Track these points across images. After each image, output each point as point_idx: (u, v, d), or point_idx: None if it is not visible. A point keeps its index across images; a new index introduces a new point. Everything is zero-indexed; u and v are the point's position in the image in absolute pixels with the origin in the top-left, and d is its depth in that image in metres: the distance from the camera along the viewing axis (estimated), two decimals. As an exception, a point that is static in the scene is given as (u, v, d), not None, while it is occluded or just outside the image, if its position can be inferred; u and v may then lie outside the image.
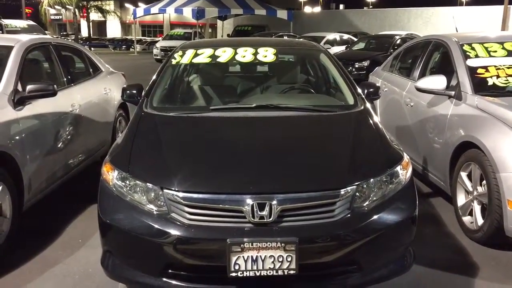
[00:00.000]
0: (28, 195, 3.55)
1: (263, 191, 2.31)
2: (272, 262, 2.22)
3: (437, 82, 4.00)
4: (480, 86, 3.81)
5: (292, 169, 2.46)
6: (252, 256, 2.22)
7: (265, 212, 2.26)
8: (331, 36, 17.83)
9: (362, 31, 22.48)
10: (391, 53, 14.19)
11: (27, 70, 3.92)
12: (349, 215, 2.33)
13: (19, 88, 3.66)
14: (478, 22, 19.92)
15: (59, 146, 4.04)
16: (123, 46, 39.63)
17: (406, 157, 2.69)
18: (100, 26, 59.00)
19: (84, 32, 43.96)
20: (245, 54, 3.70)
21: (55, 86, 3.81)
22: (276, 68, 3.98)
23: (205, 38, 26.67)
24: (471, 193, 3.53)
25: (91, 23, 42.70)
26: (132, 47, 37.10)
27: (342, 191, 2.34)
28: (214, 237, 2.26)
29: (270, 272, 2.23)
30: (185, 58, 3.75)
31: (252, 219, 2.26)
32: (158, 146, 2.69)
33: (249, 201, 2.27)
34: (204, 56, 3.73)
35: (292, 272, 2.22)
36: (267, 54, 3.70)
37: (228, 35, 25.16)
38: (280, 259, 2.22)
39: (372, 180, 2.43)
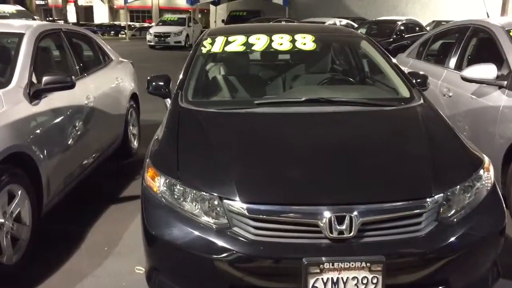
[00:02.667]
0: (47, 199, 3.22)
1: (342, 201, 2.01)
2: (355, 284, 1.93)
3: (486, 71, 3.70)
4: (536, 76, 3.53)
5: (370, 175, 2.16)
6: (332, 278, 1.93)
7: (344, 226, 1.96)
8: (330, 21, 17.42)
9: (359, 16, 22.11)
10: (394, 39, 13.99)
11: (40, 60, 3.55)
12: (436, 228, 2.04)
13: (34, 80, 3.30)
14: (476, 6, 19.59)
15: (75, 142, 3.69)
16: (112, 32, 38.74)
17: (487, 159, 2.41)
18: (87, 12, 57.71)
19: (71, 18, 42.88)
20: (282, 42, 3.37)
21: (73, 77, 3.46)
22: (316, 57, 3.66)
23: (199, 24, 26.03)
24: (531, 192, 3.27)
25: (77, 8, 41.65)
26: (121, 32, 36.26)
27: (429, 201, 2.05)
28: (287, 255, 1.96)
29: None
30: (216, 46, 3.41)
31: (330, 234, 1.96)
32: (208, 148, 2.36)
33: (327, 213, 1.97)
34: (236, 44, 3.39)
35: None
36: (306, 42, 3.37)
37: (222, 21, 24.62)
38: (365, 281, 1.93)
39: (458, 187, 2.15)
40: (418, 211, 2.03)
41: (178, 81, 3.14)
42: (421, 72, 3.65)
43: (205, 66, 3.41)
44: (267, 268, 1.99)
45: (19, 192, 2.87)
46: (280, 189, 2.09)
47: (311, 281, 1.92)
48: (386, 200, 2.03)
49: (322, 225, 1.96)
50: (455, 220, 2.09)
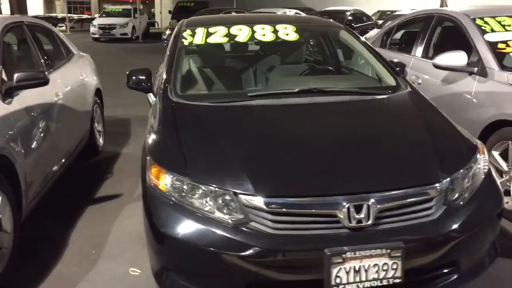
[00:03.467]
0: (25, 203, 3.03)
1: (359, 190, 2.02)
2: (376, 271, 1.96)
3: (458, 58, 3.85)
4: (505, 61, 3.70)
5: (381, 163, 2.19)
6: (354, 267, 1.94)
7: (363, 215, 1.98)
8: (280, 12, 17.49)
9: (307, 6, 22.33)
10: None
11: (7, 55, 3.32)
12: (445, 212, 2.11)
13: (4, 77, 3.08)
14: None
15: (49, 142, 3.49)
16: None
17: (479, 142, 2.50)
18: (20, 3, 54.65)
19: (3, 9, 40.37)
20: (264, 33, 3.34)
21: (46, 73, 3.26)
22: (300, 47, 3.65)
23: (145, 15, 25.26)
24: (506, 172, 3.44)
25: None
26: (59, 25, 34.60)
27: (439, 185, 2.11)
28: (308, 247, 1.96)
29: (373, 283, 1.97)
30: (198, 38, 3.33)
31: (349, 223, 1.97)
32: (213, 143, 2.30)
33: (344, 203, 1.98)
34: (218, 35, 3.33)
35: (397, 280, 1.98)
36: (288, 32, 3.36)
37: (169, 12, 24.06)
38: (385, 268, 1.96)
39: (461, 170, 2.22)
40: (429, 196, 2.08)
41: (164, 75, 3.03)
42: (395, 60, 3.74)
43: (190, 59, 3.34)
44: (288, 261, 1.97)
45: (0, 198, 2.68)
46: (297, 181, 2.08)
47: (334, 271, 1.93)
48: (400, 186, 2.07)
49: (341, 215, 1.97)
50: (461, 203, 2.16)
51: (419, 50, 4.71)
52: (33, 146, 3.17)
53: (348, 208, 1.97)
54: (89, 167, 4.80)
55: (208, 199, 2.07)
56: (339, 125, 2.53)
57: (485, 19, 4.10)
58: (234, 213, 2.04)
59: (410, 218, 2.05)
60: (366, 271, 1.95)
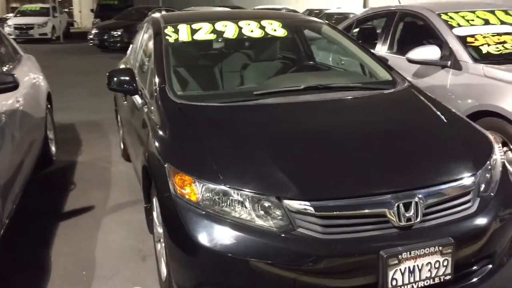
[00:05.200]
0: (1, 224, 2.67)
1: (406, 187, 1.96)
2: (429, 270, 1.91)
3: (431, 52, 3.95)
4: (477, 54, 3.85)
5: (418, 158, 2.15)
6: (409, 267, 1.88)
7: (412, 213, 1.92)
8: (211, 10, 17.29)
9: (235, 5, 22.24)
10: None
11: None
12: (481, 203, 2.11)
13: (-33, 82, 2.69)
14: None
15: (18, 154, 3.13)
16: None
17: (488, 133, 2.56)
18: None
19: None
20: (252, 29, 3.21)
21: (15, 76, 2.89)
22: (288, 44, 3.55)
23: (65, 14, 23.78)
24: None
25: None
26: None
27: (475, 178, 2.11)
28: (363, 250, 1.86)
29: (426, 282, 1.92)
30: (182, 35, 3.13)
31: (399, 222, 1.91)
32: (238, 145, 2.14)
33: (393, 201, 1.91)
34: (205, 32, 3.15)
35: (448, 277, 1.95)
36: (275, 28, 3.25)
37: (92, 10, 22.88)
38: (437, 265, 1.92)
39: (488, 162, 2.24)
40: (468, 189, 2.08)
41: (156, 75, 2.79)
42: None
43: (181, 57, 3.11)
44: (341, 266, 1.87)
45: (-19, 222, 2.33)
46: (343, 181, 1.98)
47: (390, 274, 1.86)
48: (443, 181, 2.04)
49: (390, 214, 1.90)
50: (491, 194, 2.18)
51: (384, 46, 4.79)
52: (5, 160, 2.80)
53: (398, 206, 1.91)
54: (47, 178, 4.38)
55: (246, 206, 1.92)
56: (361, 122, 2.46)
57: (449, 14, 4.25)
58: (277, 220, 1.90)
59: (452, 212, 2.03)
60: (420, 270, 1.90)
